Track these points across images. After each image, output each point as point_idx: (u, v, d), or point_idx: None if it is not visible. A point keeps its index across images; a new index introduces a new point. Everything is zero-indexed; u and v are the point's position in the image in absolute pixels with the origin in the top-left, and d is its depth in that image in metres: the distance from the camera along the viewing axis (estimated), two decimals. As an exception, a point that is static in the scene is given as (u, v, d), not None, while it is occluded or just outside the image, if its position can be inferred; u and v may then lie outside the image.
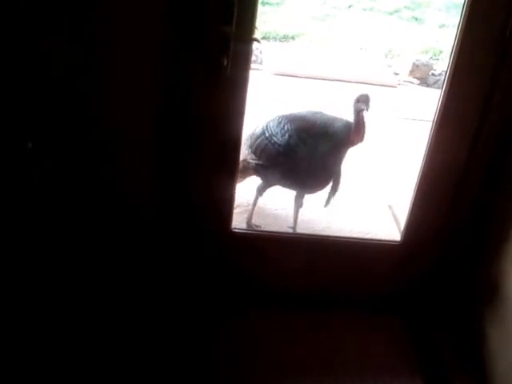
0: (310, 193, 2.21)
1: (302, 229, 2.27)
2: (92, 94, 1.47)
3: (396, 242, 1.88)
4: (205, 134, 1.62)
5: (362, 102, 1.99)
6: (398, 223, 2.37)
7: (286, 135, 2.07)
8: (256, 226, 2.29)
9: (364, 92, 2.05)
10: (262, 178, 2.21)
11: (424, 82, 4.43)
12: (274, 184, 2.20)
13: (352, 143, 2.03)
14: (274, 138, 2.08)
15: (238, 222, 2.29)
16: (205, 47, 1.47)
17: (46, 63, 1.39)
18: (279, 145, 2.08)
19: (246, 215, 2.28)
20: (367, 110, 1.98)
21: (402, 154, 3.07)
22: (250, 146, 2.16)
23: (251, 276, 1.83)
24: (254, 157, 2.14)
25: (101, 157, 1.56)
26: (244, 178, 2.18)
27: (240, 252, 1.81)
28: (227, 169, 1.69)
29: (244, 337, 1.73)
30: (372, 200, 2.64)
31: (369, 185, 2.76)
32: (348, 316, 1.84)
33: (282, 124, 2.10)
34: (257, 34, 1.51)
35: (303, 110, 2.23)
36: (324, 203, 2.22)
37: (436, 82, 4.36)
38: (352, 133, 2.00)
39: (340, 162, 2.12)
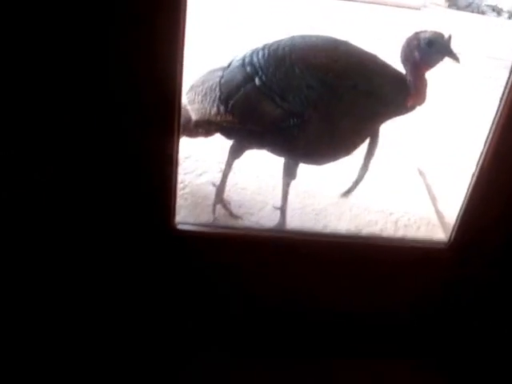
0: (321, 164, 1.39)
1: (294, 209, 1.56)
2: None
3: (442, 243, 1.18)
4: (122, 70, 0.90)
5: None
6: (433, 199, 1.67)
7: (303, 85, 1.20)
8: (228, 203, 1.58)
9: (435, 31, 1.23)
10: (237, 141, 1.40)
11: (454, 4, 3.77)
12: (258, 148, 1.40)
13: (409, 109, 1.25)
14: (275, 88, 1.22)
15: (203, 198, 1.59)
16: None
17: None
18: (286, 101, 1.21)
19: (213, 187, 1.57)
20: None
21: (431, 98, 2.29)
22: (224, 101, 1.29)
23: (209, 299, 1.15)
24: (231, 118, 1.30)
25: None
26: (203, 135, 1.43)
27: (190, 262, 1.12)
28: (160, 121, 0.96)
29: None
30: (397, 163, 1.91)
31: (390, 142, 2.02)
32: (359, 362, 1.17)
33: (287, 63, 1.21)
34: None
35: (313, 36, 1.27)
36: (347, 189, 1.44)
37: (469, 4, 3.60)
38: (411, 96, 1.23)
39: (380, 125, 1.33)
